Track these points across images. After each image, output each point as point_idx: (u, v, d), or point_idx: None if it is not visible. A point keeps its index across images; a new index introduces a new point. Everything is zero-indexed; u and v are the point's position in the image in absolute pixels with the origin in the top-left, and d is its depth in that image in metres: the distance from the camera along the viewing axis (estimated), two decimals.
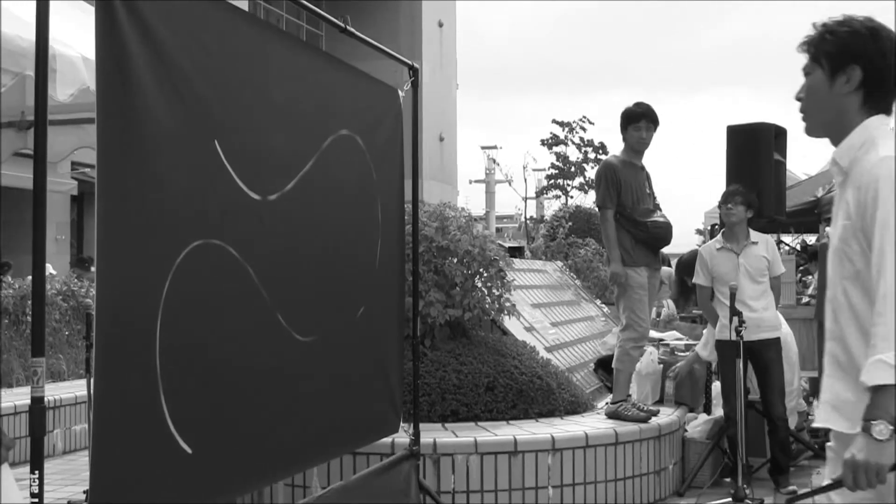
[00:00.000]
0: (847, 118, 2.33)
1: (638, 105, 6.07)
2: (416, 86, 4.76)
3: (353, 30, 4.15)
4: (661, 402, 6.67)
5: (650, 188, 6.19)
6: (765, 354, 5.99)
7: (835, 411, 2.28)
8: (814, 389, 6.98)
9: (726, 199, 6.11)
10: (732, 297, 5.66)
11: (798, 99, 2.43)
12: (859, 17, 2.35)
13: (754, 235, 6.13)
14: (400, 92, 4.66)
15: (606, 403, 6.18)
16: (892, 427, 2.04)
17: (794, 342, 6.67)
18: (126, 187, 2.57)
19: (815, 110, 2.39)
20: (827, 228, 7.89)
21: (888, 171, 2.17)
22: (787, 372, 6.28)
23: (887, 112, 2.36)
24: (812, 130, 2.43)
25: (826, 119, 2.38)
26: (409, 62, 4.77)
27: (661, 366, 6.76)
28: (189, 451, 2.81)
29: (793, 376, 6.50)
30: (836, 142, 2.38)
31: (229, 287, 3.05)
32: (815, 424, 3.04)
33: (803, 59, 2.41)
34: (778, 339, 6.07)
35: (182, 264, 2.77)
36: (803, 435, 6.82)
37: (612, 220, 5.92)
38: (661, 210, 6.20)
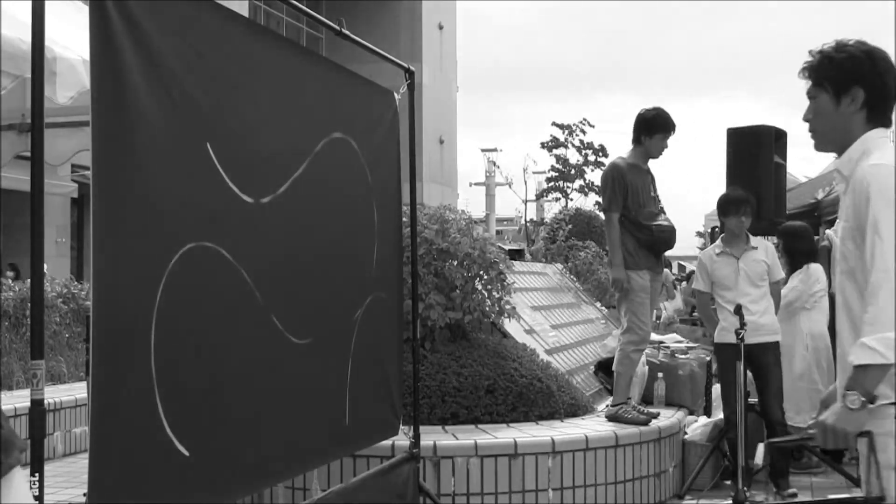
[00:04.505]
0: (853, 134, 2.57)
1: (663, 115, 5.99)
2: (412, 89, 4.76)
3: (348, 32, 4.14)
4: (651, 403, 6.67)
5: (655, 191, 6.16)
6: (763, 358, 5.98)
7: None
8: None
9: (737, 209, 6.02)
10: (731, 300, 5.67)
11: (806, 120, 2.67)
12: (852, 42, 2.58)
13: (754, 240, 6.13)
14: (396, 95, 4.66)
15: (606, 406, 6.18)
16: (863, 399, 2.29)
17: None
18: (120, 190, 2.57)
19: (824, 129, 2.63)
20: (827, 231, 7.86)
21: (877, 177, 2.42)
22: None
23: (886, 125, 2.60)
24: (822, 147, 2.69)
25: (835, 136, 2.62)
26: (405, 65, 4.76)
27: (647, 367, 6.76)
28: (186, 453, 2.81)
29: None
30: (841, 154, 2.62)
31: (223, 289, 3.05)
32: None
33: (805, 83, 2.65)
34: (776, 343, 6.07)
35: (175, 267, 2.77)
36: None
37: (618, 223, 5.90)
38: (665, 213, 6.18)
